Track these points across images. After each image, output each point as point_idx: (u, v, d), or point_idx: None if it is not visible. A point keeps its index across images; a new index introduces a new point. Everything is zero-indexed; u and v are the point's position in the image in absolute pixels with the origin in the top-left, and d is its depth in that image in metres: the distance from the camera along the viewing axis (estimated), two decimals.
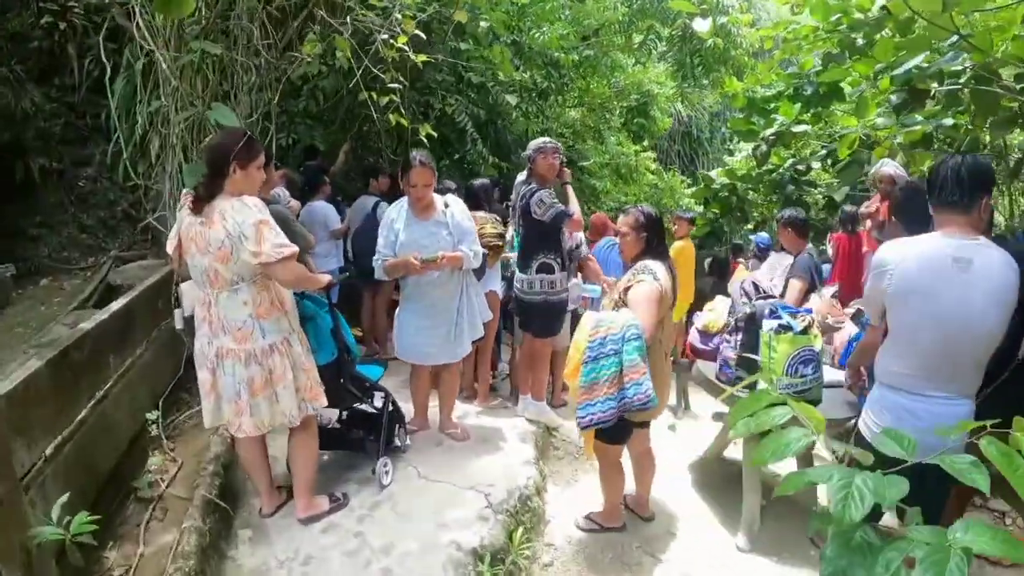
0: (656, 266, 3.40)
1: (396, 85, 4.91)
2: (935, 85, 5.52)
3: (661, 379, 3.45)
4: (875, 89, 6.20)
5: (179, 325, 3.35)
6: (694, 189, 12.47)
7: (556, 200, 4.52)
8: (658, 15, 8.54)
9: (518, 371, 5.37)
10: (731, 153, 19.83)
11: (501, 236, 4.96)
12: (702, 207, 10.22)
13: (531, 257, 4.68)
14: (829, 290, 4.98)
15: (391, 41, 4.71)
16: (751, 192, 9.82)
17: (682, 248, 6.66)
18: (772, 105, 8.91)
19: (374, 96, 4.93)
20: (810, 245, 5.40)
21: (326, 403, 3.37)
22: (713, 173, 9.92)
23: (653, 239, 3.52)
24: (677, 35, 8.27)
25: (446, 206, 4.09)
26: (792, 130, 8.27)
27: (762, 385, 3.45)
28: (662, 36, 8.74)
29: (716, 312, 4.43)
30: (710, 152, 20.01)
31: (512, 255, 5.20)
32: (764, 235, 6.77)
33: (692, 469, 4.98)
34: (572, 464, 4.89)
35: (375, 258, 4.11)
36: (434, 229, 4.01)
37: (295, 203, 5.64)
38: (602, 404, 3.16)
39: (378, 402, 3.94)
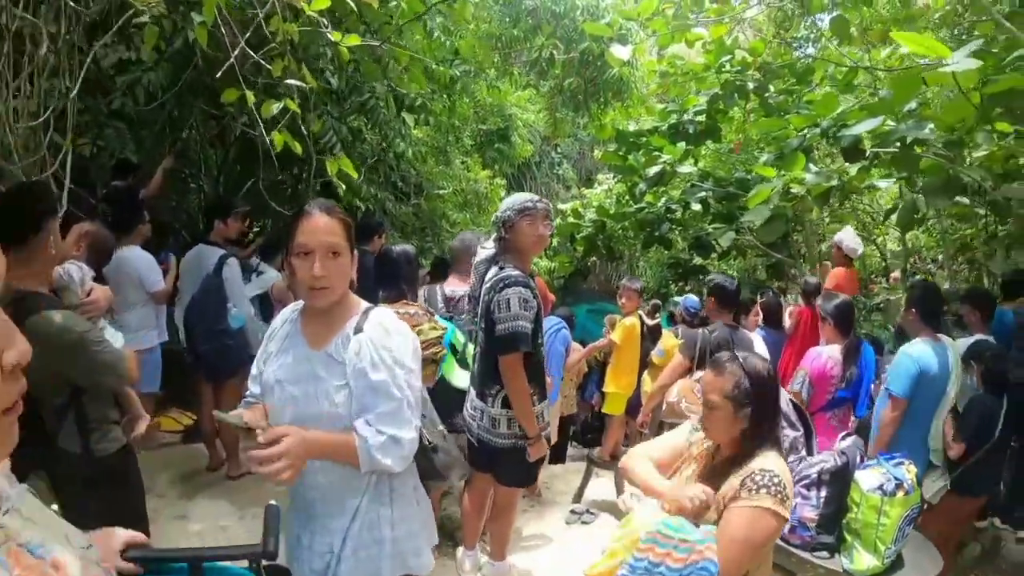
0: (782, 470, 2.00)
1: (296, 83, 3.32)
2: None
3: None
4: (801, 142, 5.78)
5: None
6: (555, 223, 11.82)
7: (534, 306, 2.99)
8: (561, 33, 7.66)
9: (467, 518, 3.65)
10: (563, 182, 19.74)
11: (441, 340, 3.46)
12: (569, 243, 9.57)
13: (494, 382, 3.07)
14: (700, 374, 4.14)
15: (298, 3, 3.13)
16: (619, 229, 9.37)
17: (631, 328, 5.54)
18: (643, 140, 8.51)
19: (253, 100, 3.19)
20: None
21: None
22: (587, 211, 9.27)
23: (766, 417, 2.08)
24: (575, 59, 7.46)
25: (357, 331, 1.87)
26: (677, 170, 7.80)
27: (866, 559, 2.60)
28: (555, 59, 7.87)
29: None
30: (538, 177, 19.71)
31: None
32: (693, 298, 6.05)
33: None
34: None
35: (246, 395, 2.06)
36: (322, 371, 1.86)
37: (99, 293, 2.71)
38: None
39: None
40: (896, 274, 9.22)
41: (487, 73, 7.83)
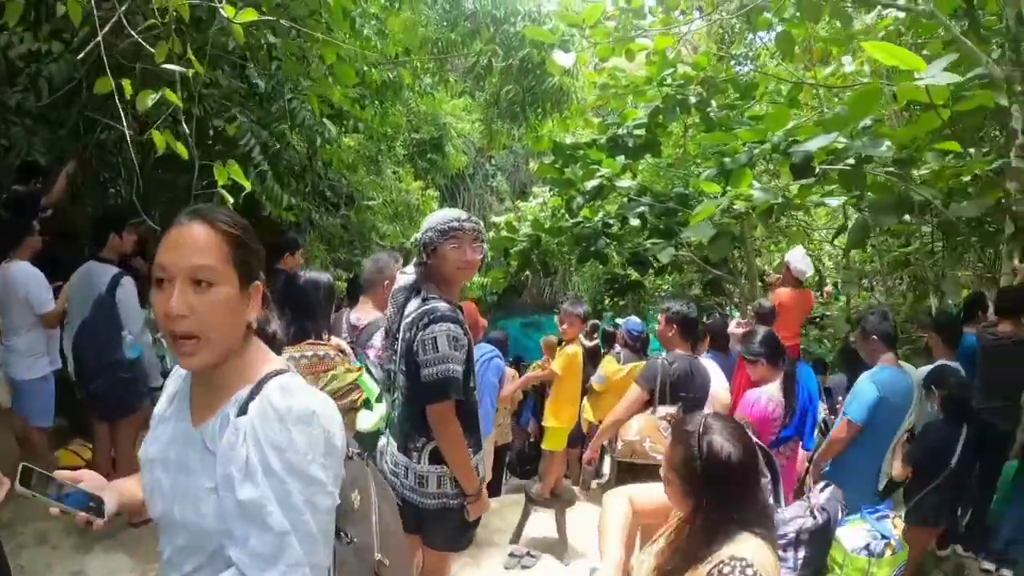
0: (761, 559, 1.63)
1: (176, 68, 2.71)
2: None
3: None
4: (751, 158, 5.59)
5: None
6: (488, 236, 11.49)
7: (465, 344, 2.49)
8: (500, 39, 7.27)
9: None
10: (497, 194, 19.48)
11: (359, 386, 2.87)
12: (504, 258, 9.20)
13: (420, 433, 2.55)
14: (665, 410, 3.79)
15: None
16: (554, 244, 9.08)
17: (573, 357, 4.97)
18: (581, 153, 8.28)
19: (128, 90, 2.63)
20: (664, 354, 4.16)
21: None
22: (522, 225, 8.94)
23: (728, 505, 1.72)
24: (515, 67, 7.11)
25: (242, 410, 1.24)
26: (615, 184, 7.56)
27: None
28: (493, 66, 7.48)
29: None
30: (471, 189, 19.37)
31: None
32: (635, 320, 5.77)
33: None
34: None
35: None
36: (196, 461, 1.29)
37: None
38: None
39: None
40: (829, 288, 9.27)
41: (422, 79, 7.40)
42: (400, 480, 2.59)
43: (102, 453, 4.25)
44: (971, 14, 4.57)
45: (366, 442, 2.86)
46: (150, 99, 2.51)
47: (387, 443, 2.73)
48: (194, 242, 1.23)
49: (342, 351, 2.76)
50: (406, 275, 2.69)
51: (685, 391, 3.57)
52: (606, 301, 12.27)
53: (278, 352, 1.45)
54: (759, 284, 8.18)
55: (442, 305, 2.45)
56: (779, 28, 6.24)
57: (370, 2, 6.31)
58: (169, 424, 1.37)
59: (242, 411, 1.23)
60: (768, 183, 6.76)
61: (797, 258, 5.94)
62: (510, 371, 5.70)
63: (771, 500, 2.60)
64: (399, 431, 2.62)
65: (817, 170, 4.98)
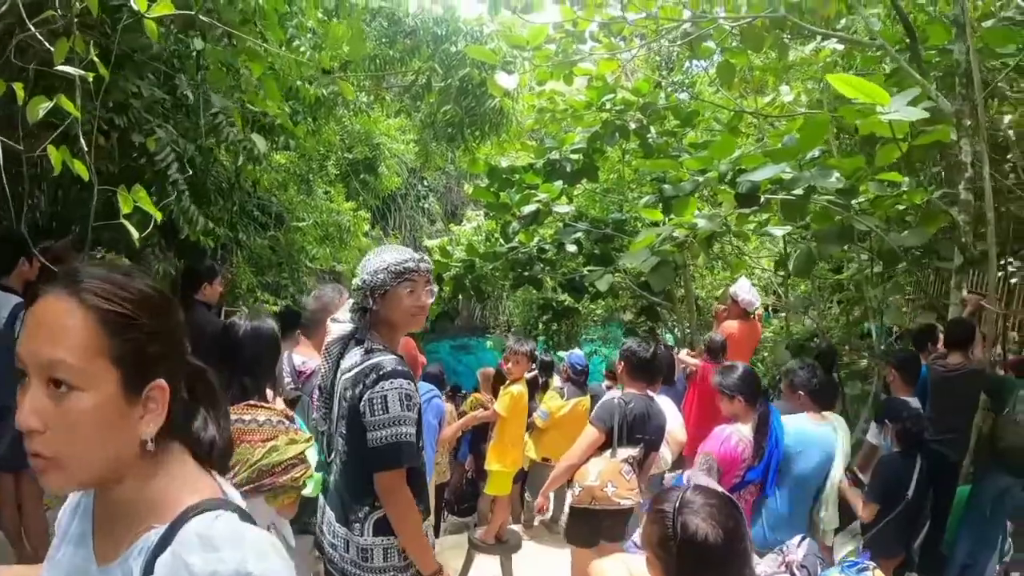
0: None
1: (74, 71, 2.32)
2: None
3: None
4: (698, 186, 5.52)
5: None
6: None
7: (418, 402, 2.19)
8: (440, 58, 7.00)
9: None
10: (429, 216, 19.23)
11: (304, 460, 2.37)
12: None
13: (362, 502, 2.21)
14: (625, 452, 3.45)
15: None
16: (488, 269, 8.87)
17: (519, 398, 4.60)
18: (517, 176, 8.12)
19: (20, 95, 2.22)
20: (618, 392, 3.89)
21: None
22: (455, 249, 8.71)
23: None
24: (454, 87, 6.86)
25: (160, 547, 0.91)
26: (553, 209, 7.43)
27: None
28: (432, 85, 7.20)
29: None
30: (403, 210, 19.03)
31: None
32: (578, 354, 5.61)
33: None
34: None
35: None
36: None
37: None
38: None
39: None
40: (760, 311, 9.34)
41: (358, 97, 7.08)
42: (339, 554, 2.24)
43: (7, 509, 3.70)
44: (913, 48, 4.63)
45: (306, 508, 2.55)
46: (41, 107, 2.10)
47: (322, 513, 2.37)
48: (50, 327, 0.88)
49: (288, 417, 2.40)
50: (339, 323, 2.42)
51: (642, 432, 3.39)
52: (539, 327, 12.16)
53: (222, 469, 1.07)
54: (695, 311, 8.19)
55: (391, 358, 2.13)
56: (718, 57, 6.29)
57: (307, 15, 5.99)
58: (70, 548, 1.03)
59: (148, 568, 0.89)
60: (705, 210, 6.77)
61: (744, 289, 5.90)
62: (448, 407, 5.41)
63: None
64: (337, 500, 2.28)
65: (762, 199, 4.95)
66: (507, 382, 4.74)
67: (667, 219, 5.61)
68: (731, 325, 5.82)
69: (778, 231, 5.35)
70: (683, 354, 5.71)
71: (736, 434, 3.32)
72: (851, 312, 7.32)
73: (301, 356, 3.34)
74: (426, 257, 2.31)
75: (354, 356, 2.20)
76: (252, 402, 2.29)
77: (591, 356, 13.40)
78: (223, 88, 4.64)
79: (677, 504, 1.61)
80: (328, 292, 3.43)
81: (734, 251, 9.09)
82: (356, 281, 2.23)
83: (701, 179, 5.64)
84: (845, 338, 7.52)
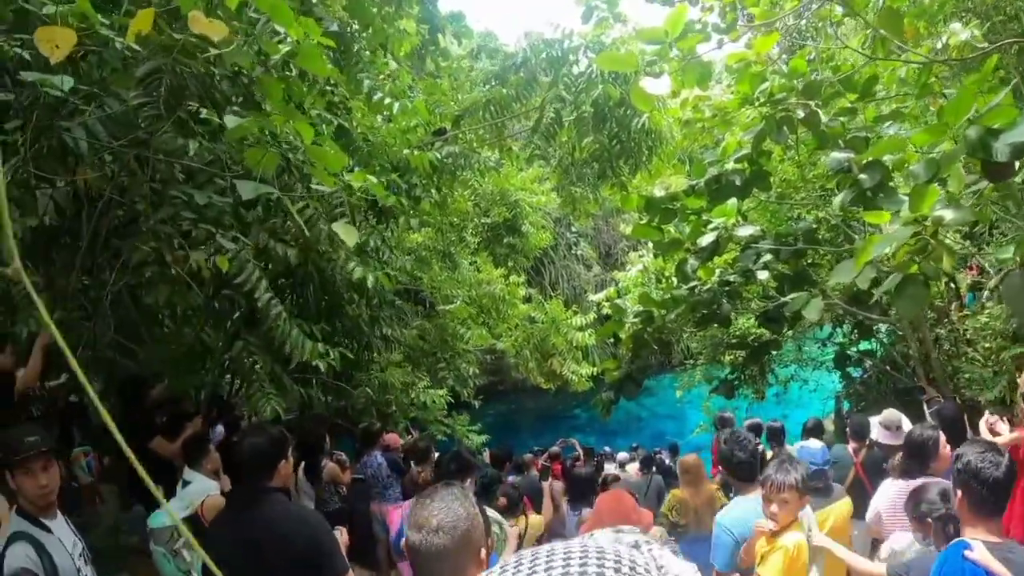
0: None
1: None
2: None
3: None
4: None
5: None
6: (579, 319, 10.27)
7: None
8: (563, 86, 5.91)
9: None
10: (583, 261, 18.31)
11: None
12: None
13: None
14: None
15: None
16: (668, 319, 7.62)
17: (796, 555, 2.99)
18: (678, 204, 6.88)
19: None
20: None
21: None
22: (625, 300, 7.59)
23: None
24: (588, 113, 5.78)
25: None
26: (735, 233, 6.10)
27: None
28: (561, 118, 6.16)
29: None
30: (556, 261, 18.20)
31: None
32: (815, 445, 4.32)
33: None
34: None
35: None
36: None
37: None
38: None
39: None
40: None
41: (479, 153, 6.14)
42: None
43: None
44: None
45: None
46: None
47: None
48: None
49: None
50: None
51: None
52: (726, 358, 10.65)
53: None
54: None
55: None
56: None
57: (400, 79, 5.21)
58: None
59: None
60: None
61: None
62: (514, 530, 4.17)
63: None
64: None
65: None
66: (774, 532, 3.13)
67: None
68: None
69: None
70: (994, 421, 3.76)
71: None
72: None
73: None
74: None
75: None
76: None
77: (788, 382, 11.49)
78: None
79: None
80: None
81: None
82: None
83: (938, 155, 4.13)
84: None
